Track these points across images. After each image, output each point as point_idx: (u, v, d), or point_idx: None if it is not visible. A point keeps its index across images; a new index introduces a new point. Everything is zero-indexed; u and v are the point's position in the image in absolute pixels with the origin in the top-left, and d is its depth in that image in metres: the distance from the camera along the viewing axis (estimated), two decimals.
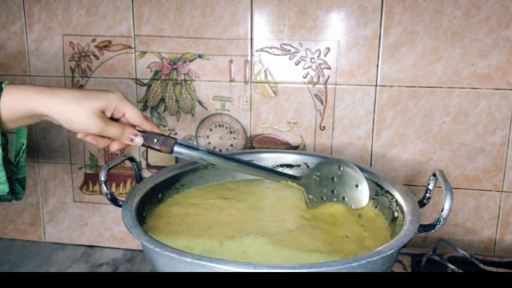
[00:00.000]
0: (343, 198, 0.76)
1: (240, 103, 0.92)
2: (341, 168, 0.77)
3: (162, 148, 0.67)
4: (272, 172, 0.78)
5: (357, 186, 0.76)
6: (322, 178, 0.78)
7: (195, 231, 0.69)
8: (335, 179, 0.77)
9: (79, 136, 0.66)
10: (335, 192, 0.77)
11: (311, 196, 0.78)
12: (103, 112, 0.64)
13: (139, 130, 0.67)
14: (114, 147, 0.67)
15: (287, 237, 0.68)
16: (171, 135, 0.82)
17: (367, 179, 0.79)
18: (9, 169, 0.66)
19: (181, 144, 0.68)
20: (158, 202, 0.77)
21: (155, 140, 0.67)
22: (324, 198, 0.77)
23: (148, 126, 0.68)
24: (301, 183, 0.78)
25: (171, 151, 0.68)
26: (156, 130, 0.68)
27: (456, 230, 0.92)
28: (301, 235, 0.68)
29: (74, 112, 0.61)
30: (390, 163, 0.90)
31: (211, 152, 0.70)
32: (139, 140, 0.67)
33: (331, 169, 0.78)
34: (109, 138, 0.66)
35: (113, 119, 0.66)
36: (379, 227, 0.72)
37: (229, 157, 0.72)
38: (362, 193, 0.75)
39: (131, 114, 0.66)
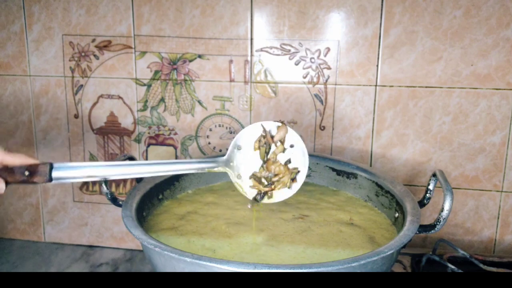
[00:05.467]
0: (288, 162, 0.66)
1: (240, 103, 0.92)
2: (267, 129, 0.65)
3: (36, 179, 0.57)
4: (183, 163, 0.66)
5: (292, 146, 0.66)
6: (245, 149, 0.66)
7: (195, 231, 0.69)
8: (264, 145, 0.66)
9: None
10: (268, 162, 0.66)
11: (239, 173, 0.67)
12: None
13: (5, 167, 0.58)
14: None
15: (288, 235, 0.68)
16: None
17: (367, 179, 0.79)
18: None
19: (59, 168, 0.58)
20: (158, 202, 0.77)
21: (26, 173, 0.58)
22: (256, 169, 0.66)
23: (12, 160, 0.58)
24: (221, 164, 0.65)
25: (50, 179, 0.58)
26: (23, 161, 0.58)
27: (456, 230, 0.92)
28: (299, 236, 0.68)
29: None
30: (390, 163, 0.90)
31: (105, 165, 0.61)
32: (1, 187, 0.57)
33: (254, 135, 0.66)
34: None
35: None
36: (379, 227, 0.72)
37: (123, 164, 0.62)
38: (300, 152, 0.66)
39: None
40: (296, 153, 0.66)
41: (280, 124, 0.65)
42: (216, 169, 0.65)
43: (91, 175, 0.60)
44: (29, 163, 0.58)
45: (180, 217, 0.74)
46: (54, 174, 0.58)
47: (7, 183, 0.58)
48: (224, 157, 0.66)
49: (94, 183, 1.00)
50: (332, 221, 0.73)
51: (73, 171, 0.59)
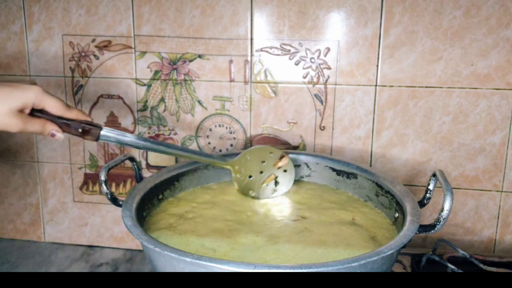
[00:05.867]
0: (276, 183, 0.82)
1: (240, 103, 0.92)
2: (272, 153, 0.82)
3: (87, 137, 0.67)
4: (199, 154, 0.80)
5: (285, 171, 0.83)
6: (252, 159, 0.81)
7: (194, 231, 0.69)
8: (265, 162, 0.82)
9: None
10: (263, 173, 0.82)
11: (238, 175, 0.81)
12: (21, 111, 0.63)
13: (65, 120, 0.67)
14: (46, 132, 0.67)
15: (288, 235, 0.68)
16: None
17: (367, 179, 0.79)
18: None
19: (107, 132, 0.68)
20: (158, 202, 0.77)
21: (80, 130, 0.67)
22: (252, 177, 0.81)
23: (72, 115, 0.67)
24: (229, 163, 0.80)
25: (97, 139, 0.67)
26: (81, 117, 0.68)
27: (456, 230, 0.92)
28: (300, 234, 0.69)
29: None
30: (390, 163, 0.90)
31: (139, 138, 0.71)
32: (59, 136, 0.67)
33: (262, 153, 0.82)
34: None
35: (37, 110, 0.66)
36: (380, 227, 0.72)
37: (157, 142, 0.75)
38: (288, 179, 0.83)
39: (51, 107, 0.66)
40: (286, 177, 0.83)
41: (284, 154, 0.83)
42: (224, 165, 0.80)
43: (132, 143, 0.70)
44: (86, 121, 0.67)
45: (179, 217, 0.74)
46: (103, 132, 0.67)
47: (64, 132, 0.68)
48: (235, 159, 0.80)
49: (94, 183, 1.00)
50: (334, 221, 0.73)
51: (118, 136, 0.69)
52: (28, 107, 0.64)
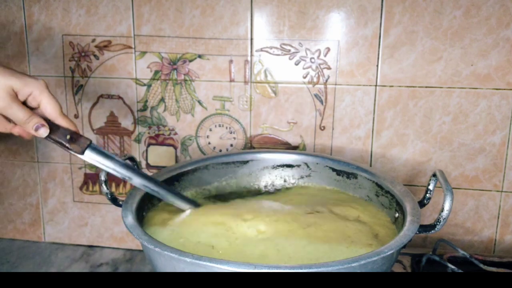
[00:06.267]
0: None
1: (240, 103, 0.92)
2: None
3: (72, 146, 0.63)
4: (177, 195, 0.73)
5: None
6: None
7: (196, 232, 0.69)
8: None
9: None
10: None
11: None
12: (15, 93, 0.61)
13: (52, 124, 0.63)
14: (15, 130, 0.64)
15: (291, 230, 0.68)
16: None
17: (367, 179, 0.79)
18: None
19: (95, 149, 0.64)
20: (158, 202, 0.77)
21: (68, 137, 0.63)
22: None
23: (64, 123, 0.64)
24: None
25: (82, 152, 0.63)
26: (72, 128, 0.64)
27: (456, 230, 0.92)
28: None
29: None
30: (390, 163, 0.90)
31: (125, 165, 0.67)
32: (43, 131, 0.62)
33: None
34: (11, 122, 0.63)
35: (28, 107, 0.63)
36: (379, 227, 0.72)
37: (142, 174, 0.69)
38: None
39: (47, 106, 0.63)
40: None
41: None
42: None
43: (116, 171, 0.66)
44: (76, 131, 0.64)
45: (179, 216, 0.74)
46: (88, 152, 0.64)
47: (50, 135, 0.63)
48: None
49: (94, 183, 1.00)
50: (339, 218, 0.72)
51: (104, 159, 0.65)
52: (24, 94, 0.62)
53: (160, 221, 0.71)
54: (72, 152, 0.63)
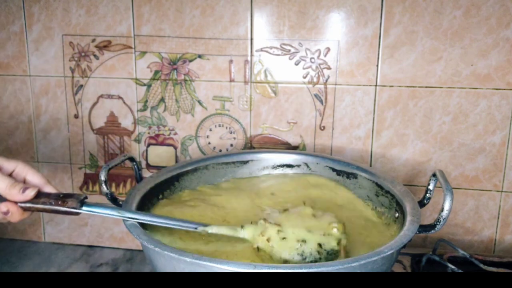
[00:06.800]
0: None
1: (240, 103, 0.92)
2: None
3: (68, 203, 0.60)
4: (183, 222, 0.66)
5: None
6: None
7: (196, 232, 0.69)
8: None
9: None
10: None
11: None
12: None
13: (41, 193, 0.62)
14: (2, 208, 0.60)
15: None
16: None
17: (367, 179, 0.79)
18: None
19: (90, 203, 0.62)
20: (158, 202, 0.77)
21: (61, 195, 0.61)
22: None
23: (53, 189, 0.63)
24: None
25: (81, 206, 0.61)
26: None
27: (456, 230, 0.92)
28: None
29: None
30: (390, 163, 0.90)
31: (124, 210, 0.63)
32: (30, 191, 0.60)
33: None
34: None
35: None
36: (379, 227, 0.72)
37: (143, 214, 0.65)
38: None
39: (34, 176, 0.63)
40: None
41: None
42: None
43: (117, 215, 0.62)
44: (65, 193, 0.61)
45: (180, 217, 0.73)
46: (86, 205, 0.61)
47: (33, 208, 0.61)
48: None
49: (94, 183, 1.00)
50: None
51: (101, 209, 0.62)
52: (8, 169, 0.62)
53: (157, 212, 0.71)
54: (70, 209, 0.60)
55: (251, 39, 0.89)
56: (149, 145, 0.96)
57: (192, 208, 0.75)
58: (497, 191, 0.89)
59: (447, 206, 0.60)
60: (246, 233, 0.65)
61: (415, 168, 0.90)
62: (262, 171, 0.87)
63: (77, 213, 0.61)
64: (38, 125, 0.98)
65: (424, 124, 0.88)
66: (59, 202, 0.61)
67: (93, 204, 0.62)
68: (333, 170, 0.84)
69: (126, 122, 0.96)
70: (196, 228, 0.64)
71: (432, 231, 0.62)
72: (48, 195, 0.62)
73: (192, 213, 0.74)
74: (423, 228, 0.62)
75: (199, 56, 0.91)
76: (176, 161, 0.96)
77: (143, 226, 0.69)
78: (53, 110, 0.97)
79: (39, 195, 0.61)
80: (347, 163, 0.83)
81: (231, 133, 0.94)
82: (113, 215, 0.62)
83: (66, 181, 1.00)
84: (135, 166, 0.79)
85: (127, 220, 0.62)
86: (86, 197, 0.62)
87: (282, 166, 0.87)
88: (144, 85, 0.94)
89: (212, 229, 0.64)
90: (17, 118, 0.99)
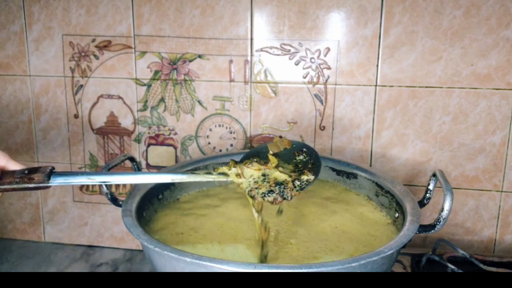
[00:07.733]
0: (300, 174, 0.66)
1: (240, 103, 0.92)
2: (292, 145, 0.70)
3: (34, 177, 0.56)
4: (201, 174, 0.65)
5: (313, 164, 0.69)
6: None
7: (195, 232, 0.69)
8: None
9: None
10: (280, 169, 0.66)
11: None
12: None
13: (5, 171, 0.59)
14: None
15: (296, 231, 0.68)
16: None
17: (367, 179, 0.79)
18: None
19: (59, 173, 0.58)
20: (158, 202, 0.77)
21: (26, 172, 0.57)
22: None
23: (17, 165, 0.60)
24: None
25: (48, 178, 0.57)
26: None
27: (456, 230, 0.92)
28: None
29: None
30: (390, 163, 0.90)
31: (94, 174, 0.62)
32: None
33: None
34: None
35: None
36: (379, 227, 0.72)
37: (113, 174, 0.65)
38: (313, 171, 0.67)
39: None
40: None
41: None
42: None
43: (87, 180, 0.60)
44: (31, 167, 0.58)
45: (180, 217, 0.74)
46: (53, 176, 0.58)
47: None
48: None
49: None
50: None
51: (71, 178, 0.59)
52: None
53: (160, 221, 0.71)
54: (37, 185, 0.56)
55: (251, 39, 0.89)
56: (149, 145, 0.96)
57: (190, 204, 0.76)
58: (497, 191, 0.89)
59: (447, 206, 0.60)
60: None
61: (415, 168, 0.90)
62: None
63: (47, 187, 0.58)
64: (38, 125, 0.99)
65: (424, 124, 0.88)
66: (25, 179, 0.56)
67: (60, 173, 0.58)
68: (333, 170, 0.85)
69: (126, 122, 0.96)
70: (173, 180, 0.64)
71: (432, 231, 0.62)
72: (12, 173, 0.58)
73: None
74: (423, 228, 0.62)
75: (199, 56, 0.91)
76: (176, 161, 0.96)
77: (143, 226, 0.69)
78: (53, 110, 0.97)
79: (4, 175, 0.58)
80: (347, 163, 0.83)
81: (231, 133, 0.94)
82: (83, 182, 0.60)
83: None
84: (135, 166, 0.79)
85: (101, 184, 0.60)
86: (53, 168, 0.58)
87: None
88: (144, 85, 0.94)
89: (190, 178, 0.64)
90: (17, 118, 0.99)
